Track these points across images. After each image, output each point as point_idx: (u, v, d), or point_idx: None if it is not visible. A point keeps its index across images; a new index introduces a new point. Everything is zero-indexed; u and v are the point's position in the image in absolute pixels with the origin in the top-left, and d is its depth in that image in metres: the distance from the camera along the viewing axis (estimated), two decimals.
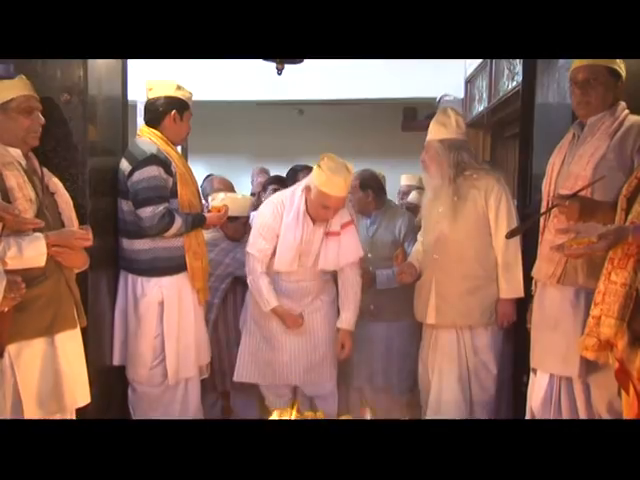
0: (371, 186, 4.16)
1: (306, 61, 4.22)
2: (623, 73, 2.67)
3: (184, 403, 3.52)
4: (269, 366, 3.66)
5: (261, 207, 3.72)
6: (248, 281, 3.62)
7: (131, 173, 3.33)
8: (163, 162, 3.34)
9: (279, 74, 3.38)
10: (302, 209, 3.47)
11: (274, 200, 3.62)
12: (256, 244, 3.54)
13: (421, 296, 3.58)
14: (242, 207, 4.10)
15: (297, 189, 3.54)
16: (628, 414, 2.18)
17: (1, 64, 2.76)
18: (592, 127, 2.69)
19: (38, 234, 2.48)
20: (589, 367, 2.57)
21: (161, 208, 3.28)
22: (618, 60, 2.66)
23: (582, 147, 2.69)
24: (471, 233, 3.45)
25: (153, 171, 3.30)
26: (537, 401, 2.81)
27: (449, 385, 3.50)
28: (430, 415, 3.56)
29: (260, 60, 3.63)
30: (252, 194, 5.49)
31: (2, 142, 2.60)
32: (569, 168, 2.71)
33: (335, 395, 3.83)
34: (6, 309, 2.32)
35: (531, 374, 2.91)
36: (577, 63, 2.70)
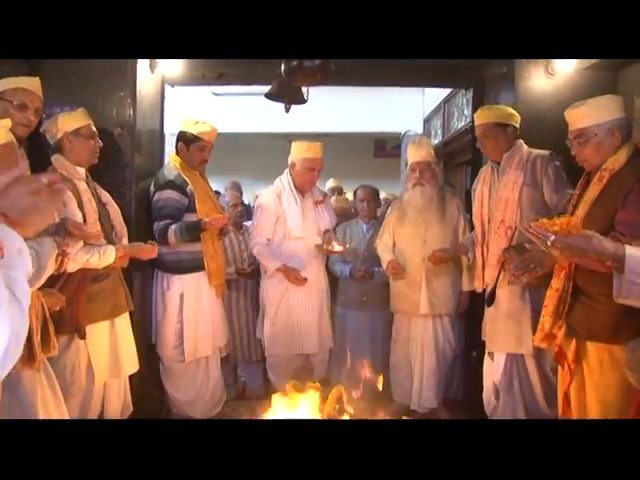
0: (378, 200, 4.36)
1: None
2: (510, 121, 2.89)
3: (205, 375, 3.54)
4: (292, 340, 3.68)
5: (261, 196, 3.83)
6: (254, 252, 3.71)
7: (153, 194, 3.35)
8: (178, 186, 3.30)
9: (287, 112, 3.46)
10: (292, 185, 3.67)
11: (270, 189, 3.74)
12: (259, 224, 3.67)
13: (411, 291, 3.53)
14: None
15: (282, 176, 3.72)
16: (562, 383, 2.25)
17: (67, 105, 2.82)
18: (507, 161, 2.89)
19: (112, 247, 2.62)
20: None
21: (162, 224, 3.28)
22: (504, 113, 2.90)
23: (505, 177, 2.87)
24: (451, 241, 3.51)
25: (168, 194, 3.29)
26: (498, 374, 2.93)
27: (429, 357, 3.57)
28: (416, 379, 3.59)
29: (264, 101, 3.60)
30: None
31: (72, 162, 2.64)
32: (498, 194, 2.87)
33: (328, 358, 3.90)
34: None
35: (487, 358, 3.00)
36: (476, 121, 2.93)
